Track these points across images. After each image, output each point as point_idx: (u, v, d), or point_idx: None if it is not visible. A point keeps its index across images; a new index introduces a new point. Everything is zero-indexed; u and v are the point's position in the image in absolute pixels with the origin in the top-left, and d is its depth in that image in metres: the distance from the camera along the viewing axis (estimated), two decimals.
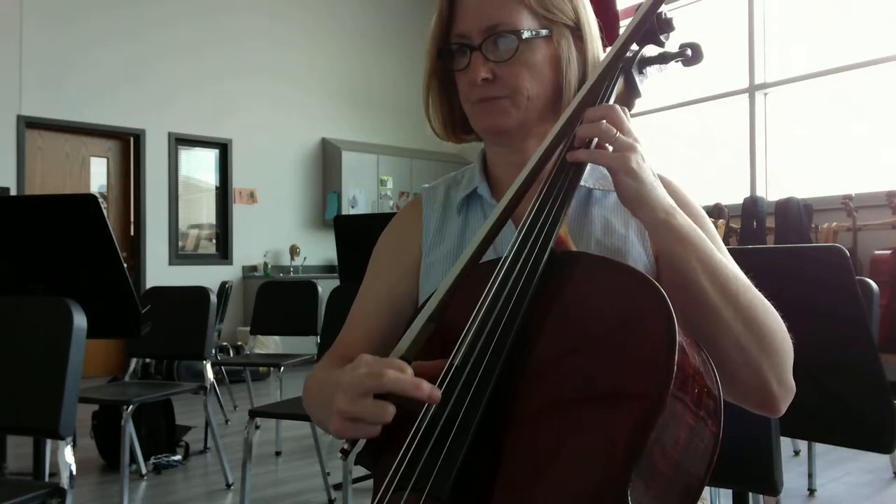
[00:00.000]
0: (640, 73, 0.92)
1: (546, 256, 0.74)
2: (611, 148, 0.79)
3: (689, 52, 0.92)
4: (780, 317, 0.78)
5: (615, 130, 0.79)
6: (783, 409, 0.78)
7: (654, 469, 0.60)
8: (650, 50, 0.94)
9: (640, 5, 0.87)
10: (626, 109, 0.83)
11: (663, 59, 0.93)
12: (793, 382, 0.78)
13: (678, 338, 0.61)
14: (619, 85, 0.90)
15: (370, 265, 1.02)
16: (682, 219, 0.78)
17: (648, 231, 0.79)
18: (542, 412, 0.65)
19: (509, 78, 0.87)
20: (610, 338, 0.65)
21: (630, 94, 0.92)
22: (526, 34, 0.86)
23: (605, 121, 0.80)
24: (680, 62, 0.93)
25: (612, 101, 0.87)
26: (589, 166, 0.90)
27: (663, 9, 0.93)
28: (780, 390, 0.76)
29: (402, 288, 0.97)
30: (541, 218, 0.77)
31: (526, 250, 0.75)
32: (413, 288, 0.97)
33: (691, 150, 6.36)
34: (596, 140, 0.81)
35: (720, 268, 0.76)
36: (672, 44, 0.95)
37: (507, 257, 0.76)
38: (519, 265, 0.74)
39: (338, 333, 0.99)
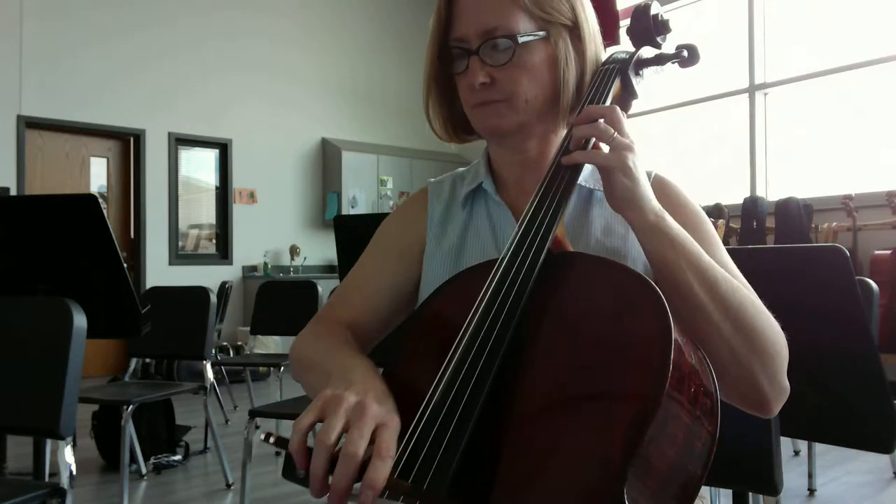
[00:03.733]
0: (637, 74, 0.93)
1: (542, 257, 0.74)
2: (607, 148, 0.79)
3: (685, 53, 0.93)
4: (772, 317, 0.78)
5: (612, 130, 0.79)
6: (776, 409, 0.78)
7: (651, 468, 0.60)
8: (647, 51, 0.95)
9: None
10: (623, 112, 0.84)
11: (660, 60, 0.94)
12: (786, 383, 0.78)
13: (674, 337, 0.61)
14: (616, 86, 0.90)
15: (373, 242, 1.04)
16: (671, 222, 0.78)
17: (637, 233, 0.79)
18: (539, 411, 0.65)
19: (507, 82, 0.88)
20: (606, 337, 0.66)
21: (626, 96, 0.93)
22: (523, 37, 0.86)
23: (602, 120, 0.80)
24: (676, 63, 0.94)
25: (608, 103, 0.88)
26: (589, 167, 0.90)
27: (660, 10, 0.93)
28: (772, 391, 0.76)
29: (402, 265, 1.00)
30: (538, 218, 0.78)
31: (523, 250, 0.76)
32: (411, 271, 1.00)
33: (691, 150, 6.36)
34: (593, 140, 0.81)
35: (709, 269, 0.76)
36: (669, 45, 0.95)
37: (504, 257, 0.77)
38: (516, 265, 0.75)
39: None
